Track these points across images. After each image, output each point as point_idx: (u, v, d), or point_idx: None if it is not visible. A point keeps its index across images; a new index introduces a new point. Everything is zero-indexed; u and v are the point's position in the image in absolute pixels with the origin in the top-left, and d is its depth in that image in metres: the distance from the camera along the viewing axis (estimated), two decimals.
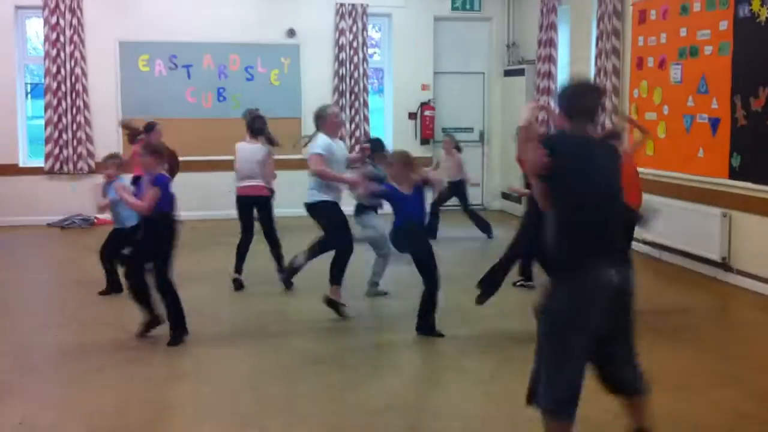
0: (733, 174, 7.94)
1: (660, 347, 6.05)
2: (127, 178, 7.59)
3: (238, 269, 7.70)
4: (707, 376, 5.44)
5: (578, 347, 3.60)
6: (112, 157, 7.39)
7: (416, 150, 11.04)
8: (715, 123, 8.17)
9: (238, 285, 7.66)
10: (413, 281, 6.40)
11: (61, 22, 11.57)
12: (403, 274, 7.14)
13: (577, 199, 3.59)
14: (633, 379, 3.89)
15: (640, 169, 9.43)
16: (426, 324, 6.15)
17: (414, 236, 6.13)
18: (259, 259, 7.89)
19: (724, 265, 8.12)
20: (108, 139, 11.70)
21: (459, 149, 10.63)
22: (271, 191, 7.95)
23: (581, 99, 3.72)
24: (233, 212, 7.84)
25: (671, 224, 8.78)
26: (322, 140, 6.72)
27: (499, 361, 5.70)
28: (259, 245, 7.80)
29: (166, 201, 5.92)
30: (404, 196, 6.08)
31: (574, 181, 3.57)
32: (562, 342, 3.60)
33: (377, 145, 7.59)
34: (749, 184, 7.73)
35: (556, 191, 3.61)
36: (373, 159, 7.32)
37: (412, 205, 6.09)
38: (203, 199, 11.42)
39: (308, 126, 10.82)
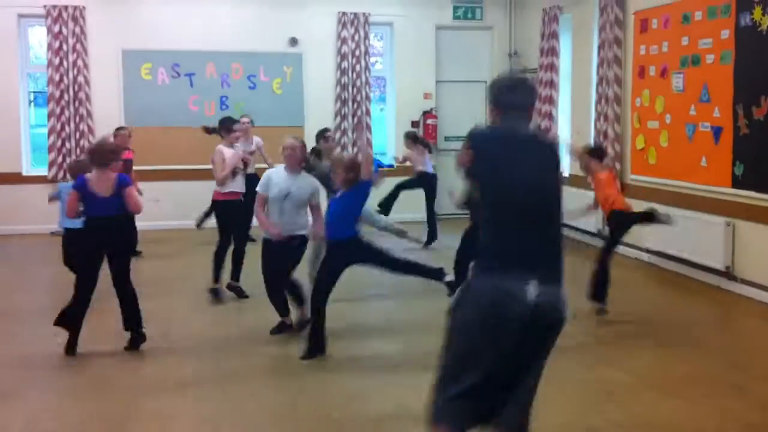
0: (736, 183, 7.94)
1: (663, 356, 6.05)
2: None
3: (217, 278, 7.65)
4: (711, 385, 5.43)
5: (479, 356, 3.19)
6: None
7: None
8: (717, 132, 8.17)
9: (216, 294, 7.61)
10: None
11: (64, 30, 11.61)
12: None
13: (495, 198, 3.28)
14: (513, 426, 3.37)
15: (642, 178, 9.53)
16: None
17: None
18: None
19: (728, 274, 8.11)
20: None
21: (425, 145, 10.93)
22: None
23: (511, 94, 3.43)
24: None
25: (674, 233, 8.77)
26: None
27: None
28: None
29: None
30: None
31: (491, 178, 3.29)
32: (462, 342, 3.23)
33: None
34: (752, 193, 7.72)
35: (478, 189, 3.37)
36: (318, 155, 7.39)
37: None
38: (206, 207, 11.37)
39: (310, 135, 10.85)
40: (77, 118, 11.75)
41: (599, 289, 6.98)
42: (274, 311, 6.50)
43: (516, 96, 3.42)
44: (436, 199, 10.72)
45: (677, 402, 5.11)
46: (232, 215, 7.65)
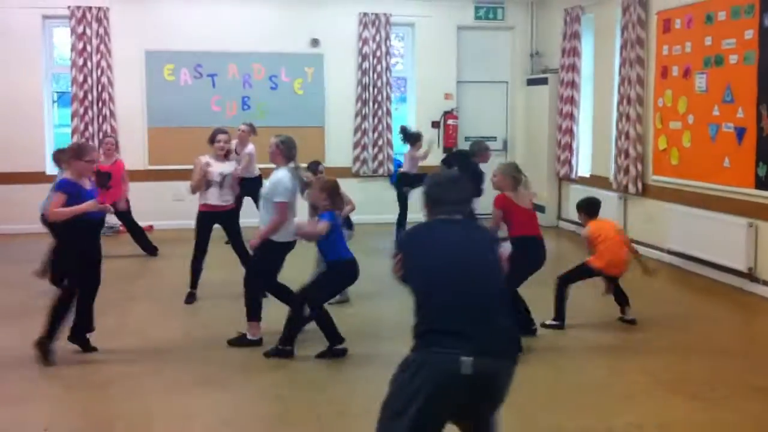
0: (759, 184, 7.87)
1: (684, 357, 6.02)
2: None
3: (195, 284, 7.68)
4: (732, 387, 5.39)
5: (411, 421, 3.10)
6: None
7: (439, 159, 11.02)
8: (740, 132, 8.11)
9: (192, 299, 7.63)
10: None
11: (88, 31, 11.71)
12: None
13: (422, 285, 3.30)
14: None
15: (664, 179, 9.47)
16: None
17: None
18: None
19: (750, 275, 8.05)
20: (134, 148, 11.86)
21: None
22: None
23: (444, 191, 3.51)
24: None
25: (697, 234, 8.73)
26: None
27: None
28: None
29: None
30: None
31: (418, 270, 3.34)
32: (394, 405, 3.18)
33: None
34: None
35: (410, 286, 3.37)
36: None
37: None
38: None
39: (330, 135, 10.93)
40: (100, 119, 11.85)
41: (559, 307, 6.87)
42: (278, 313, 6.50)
43: (449, 193, 3.50)
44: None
45: (697, 404, 5.08)
46: (203, 225, 7.64)
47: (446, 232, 3.39)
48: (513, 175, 6.34)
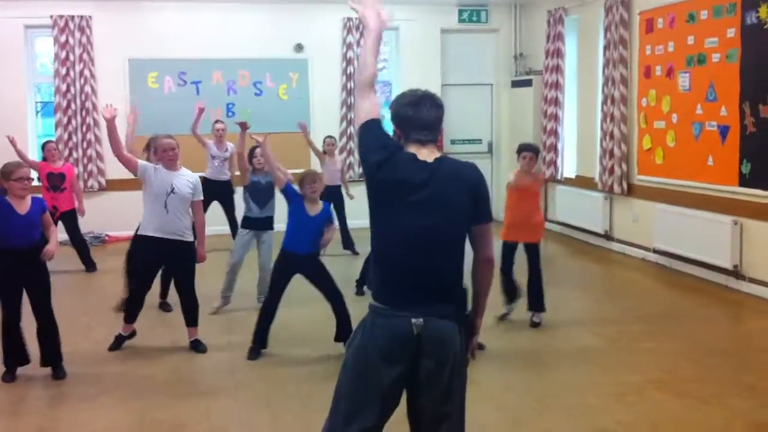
0: (743, 181, 7.92)
1: (672, 355, 6.04)
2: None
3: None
4: (720, 384, 5.41)
5: (363, 388, 3.06)
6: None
7: None
8: (724, 130, 8.15)
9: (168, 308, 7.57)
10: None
11: (71, 40, 11.66)
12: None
13: (382, 231, 3.12)
14: None
15: (649, 178, 9.51)
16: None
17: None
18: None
19: (736, 273, 8.09)
20: None
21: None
22: None
23: (413, 111, 3.14)
24: None
25: (682, 233, 8.76)
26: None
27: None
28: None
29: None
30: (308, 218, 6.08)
31: (379, 209, 3.12)
32: (349, 376, 3.12)
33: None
34: (759, 192, 7.71)
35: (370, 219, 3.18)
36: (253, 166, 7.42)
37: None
38: (217, 215, 11.35)
39: (316, 140, 10.85)
40: (84, 128, 11.79)
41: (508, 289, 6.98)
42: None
43: (420, 112, 3.13)
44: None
45: (686, 401, 5.10)
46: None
47: (424, 177, 3.04)
48: None
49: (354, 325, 3.89)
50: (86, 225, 11.31)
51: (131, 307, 6.39)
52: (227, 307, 7.52)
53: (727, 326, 7.18)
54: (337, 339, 6.06)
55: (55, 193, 9.26)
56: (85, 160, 11.77)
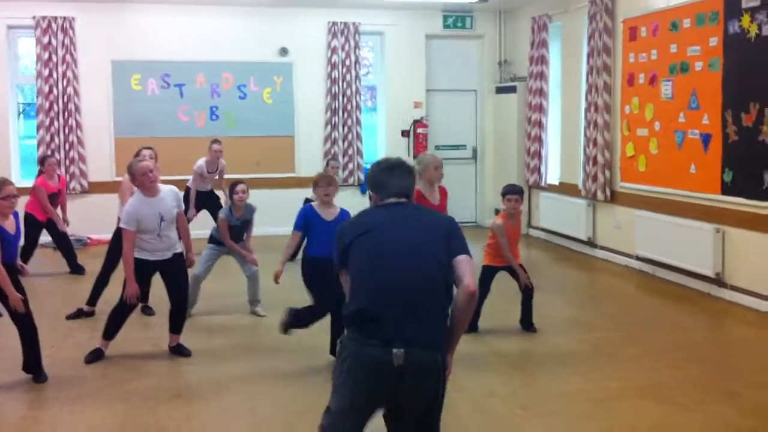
0: (726, 189, 7.96)
1: (654, 363, 6.06)
2: None
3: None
4: (702, 391, 5.42)
5: (344, 411, 3.22)
6: None
7: None
8: (706, 139, 8.20)
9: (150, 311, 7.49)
10: None
11: (53, 41, 11.58)
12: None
13: (359, 271, 3.26)
14: None
15: (632, 185, 9.56)
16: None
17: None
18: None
19: (718, 280, 8.13)
20: (101, 159, 11.75)
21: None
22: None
23: (387, 178, 3.45)
24: None
25: (665, 240, 8.81)
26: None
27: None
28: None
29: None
30: (324, 222, 5.97)
31: (355, 258, 3.27)
32: (335, 397, 3.26)
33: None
34: (741, 200, 7.75)
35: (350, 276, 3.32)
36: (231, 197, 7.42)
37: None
38: (203, 220, 11.27)
39: (300, 145, 10.91)
40: (67, 130, 11.71)
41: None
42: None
43: (392, 179, 3.45)
44: None
45: (669, 408, 5.11)
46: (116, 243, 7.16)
47: (396, 222, 3.32)
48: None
49: None
50: (68, 228, 11.26)
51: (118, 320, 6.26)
52: (208, 311, 7.50)
53: (710, 334, 7.22)
54: (332, 352, 5.94)
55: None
56: (67, 162, 11.69)
